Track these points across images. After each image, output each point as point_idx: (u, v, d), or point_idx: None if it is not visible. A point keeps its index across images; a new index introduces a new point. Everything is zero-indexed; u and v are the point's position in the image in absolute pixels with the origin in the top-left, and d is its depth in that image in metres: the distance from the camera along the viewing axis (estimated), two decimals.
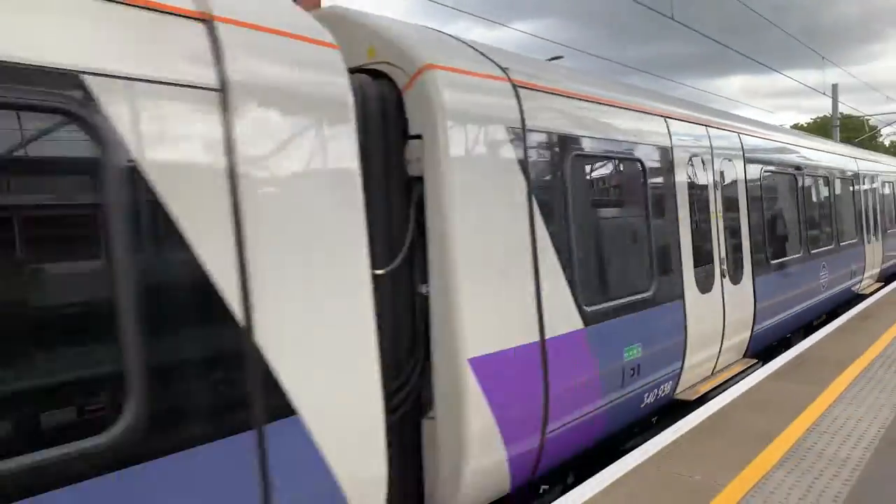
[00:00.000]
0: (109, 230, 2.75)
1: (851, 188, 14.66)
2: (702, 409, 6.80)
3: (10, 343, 2.49)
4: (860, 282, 14.63)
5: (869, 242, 15.48)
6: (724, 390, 7.56)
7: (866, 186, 15.98)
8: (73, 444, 2.53)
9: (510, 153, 4.94)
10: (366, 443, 3.68)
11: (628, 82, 8.10)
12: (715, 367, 8.03)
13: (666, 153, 7.09)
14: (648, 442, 5.92)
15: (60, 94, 2.62)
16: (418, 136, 4.48)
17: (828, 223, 12.59)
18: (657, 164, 6.91)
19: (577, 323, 5.42)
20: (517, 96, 5.12)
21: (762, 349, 9.42)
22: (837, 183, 13.51)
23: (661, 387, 6.78)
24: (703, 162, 7.88)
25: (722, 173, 8.33)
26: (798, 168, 11.21)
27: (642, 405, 6.52)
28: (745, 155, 9.06)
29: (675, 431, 6.12)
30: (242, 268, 3.14)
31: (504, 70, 5.20)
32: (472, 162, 4.65)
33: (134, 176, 2.82)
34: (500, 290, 4.75)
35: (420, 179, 4.49)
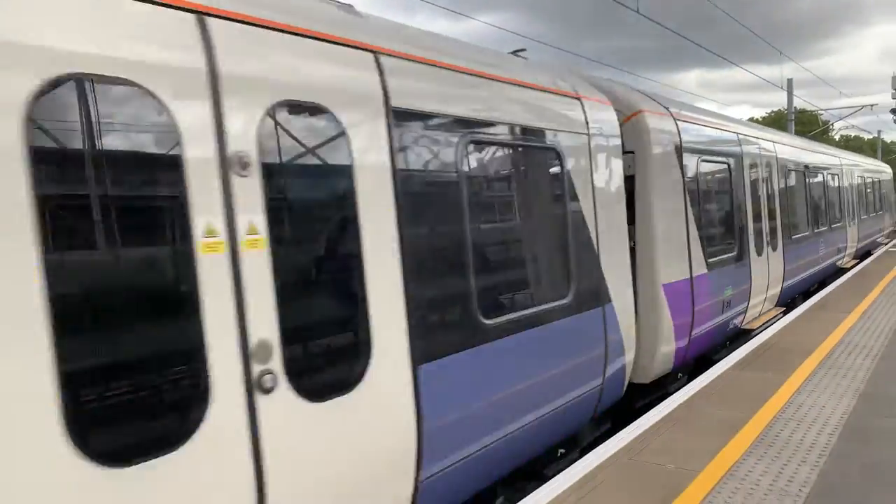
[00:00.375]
0: (566, 203, 5.88)
1: (838, 182, 18.46)
2: (668, 399, 6.88)
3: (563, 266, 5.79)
4: (843, 257, 18.39)
5: (850, 226, 19.47)
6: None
7: (847, 181, 19.93)
8: (558, 301, 5.63)
9: (675, 160, 8.10)
10: (629, 323, 6.81)
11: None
12: (761, 309, 11.33)
13: (740, 159, 10.43)
14: (619, 433, 5.97)
15: (548, 141, 5.71)
16: (631, 152, 7.50)
17: (824, 210, 16.22)
18: (736, 166, 10.24)
19: (703, 269, 8.57)
20: (677, 126, 8.32)
21: (785, 302, 12.73)
22: (829, 178, 17.33)
23: (737, 318, 10.01)
24: (756, 165, 11.22)
25: (766, 172, 11.74)
26: (806, 167, 14.86)
27: (728, 329, 9.77)
28: (778, 158, 12.57)
29: (644, 423, 6.17)
30: (596, 223, 6.25)
31: (667, 109, 8.40)
32: (660, 166, 7.75)
33: (573, 179, 5.99)
34: (673, 243, 7.87)
35: (631, 178, 7.44)
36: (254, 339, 3.27)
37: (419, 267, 4.21)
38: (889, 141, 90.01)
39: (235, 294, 3.20)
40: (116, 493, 2.71)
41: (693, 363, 8.86)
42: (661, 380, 7.99)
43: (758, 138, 11.74)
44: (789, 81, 29.90)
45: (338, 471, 3.70)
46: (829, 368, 7.70)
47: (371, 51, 4.10)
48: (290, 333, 3.45)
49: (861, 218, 21.57)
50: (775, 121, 61.85)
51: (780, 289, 12.05)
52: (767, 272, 11.17)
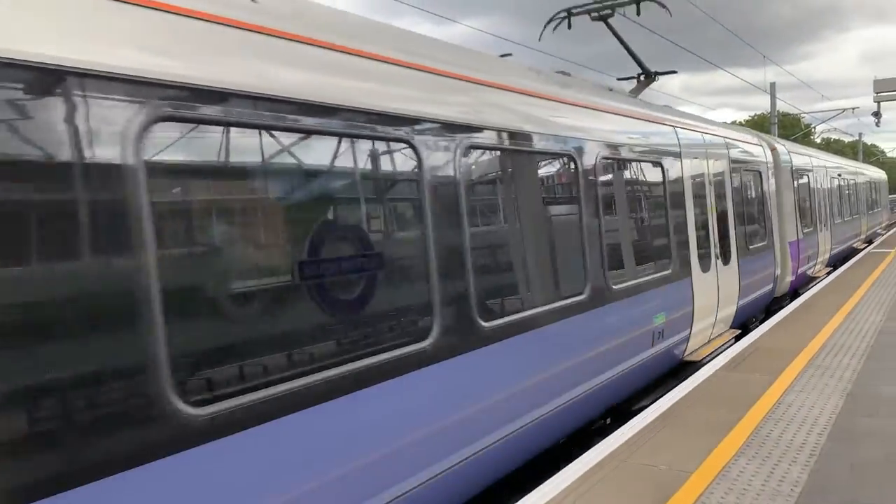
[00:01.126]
0: (763, 198, 12.89)
1: (856, 185, 26.49)
2: (660, 401, 6.93)
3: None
4: (859, 240, 26.07)
5: (862, 218, 27.42)
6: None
7: (863, 183, 28.66)
8: (765, 242, 12.78)
9: (789, 173, 15.00)
10: (777, 259, 13.31)
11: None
12: (821, 267, 17.87)
13: (813, 171, 17.68)
14: (611, 435, 6.00)
15: (757, 168, 12.63)
16: None
17: (850, 204, 24.26)
18: (811, 176, 17.29)
19: (801, 235, 15.29)
20: (790, 155, 15.41)
21: (832, 264, 19.65)
22: (852, 182, 25.37)
23: (811, 269, 16.55)
24: (819, 174, 18.57)
25: (823, 179, 19.17)
26: (840, 175, 22.57)
27: (807, 274, 16.00)
28: (827, 168, 20.17)
29: (636, 424, 6.22)
30: (770, 207, 13.07)
31: (784, 145, 15.89)
32: (785, 176, 14.60)
33: (763, 185, 12.87)
34: (790, 219, 14.55)
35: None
36: (717, 239, 9.74)
37: (743, 225, 10.91)
38: (870, 143, 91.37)
39: (712, 226, 9.63)
40: (696, 282, 8.91)
41: (792, 293, 14.76)
42: (779, 299, 13.72)
43: (818, 157, 19.59)
44: (772, 85, 30.24)
45: (727, 292, 9.92)
46: (817, 369, 7.80)
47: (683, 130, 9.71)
48: (718, 240, 9.72)
49: (870, 212, 30.52)
50: (758, 124, 62.26)
51: (829, 255, 19.10)
52: (825, 242, 18.31)
